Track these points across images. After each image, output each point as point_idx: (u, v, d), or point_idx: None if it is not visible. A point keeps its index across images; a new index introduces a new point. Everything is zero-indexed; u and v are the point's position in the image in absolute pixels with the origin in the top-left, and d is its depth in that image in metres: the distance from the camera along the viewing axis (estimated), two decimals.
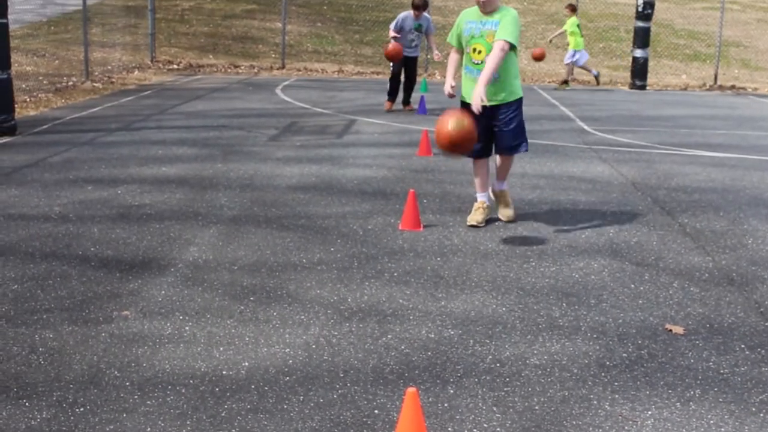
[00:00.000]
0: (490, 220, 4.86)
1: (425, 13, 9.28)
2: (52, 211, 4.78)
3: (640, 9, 13.08)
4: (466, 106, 4.46)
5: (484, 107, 4.28)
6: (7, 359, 2.81)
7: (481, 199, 4.74)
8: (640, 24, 13.20)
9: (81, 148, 6.75)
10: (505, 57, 4.35)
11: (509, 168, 4.81)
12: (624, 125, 8.97)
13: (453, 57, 4.70)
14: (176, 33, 16.33)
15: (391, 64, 9.49)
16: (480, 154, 4.65)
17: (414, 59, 9.45)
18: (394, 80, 9.54)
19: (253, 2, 18.80)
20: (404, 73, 9.47)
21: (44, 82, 10.62)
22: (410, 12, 9.18)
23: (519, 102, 4.57)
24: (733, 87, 13.88)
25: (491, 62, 4.28)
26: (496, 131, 4.58)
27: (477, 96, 4.27)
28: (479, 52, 4.43)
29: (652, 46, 14.00)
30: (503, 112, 4.53)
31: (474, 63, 4.47)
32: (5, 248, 4.06)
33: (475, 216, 4.67)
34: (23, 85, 9.91)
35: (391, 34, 9.27)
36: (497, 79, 4.40)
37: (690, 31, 17.82)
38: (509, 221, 4.76)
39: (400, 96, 9.63)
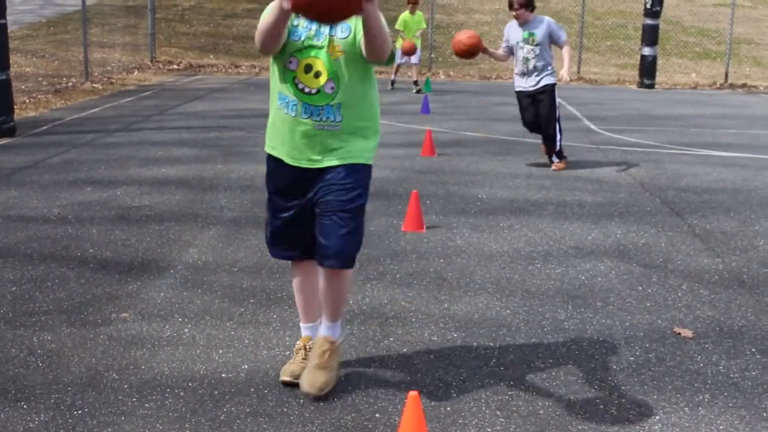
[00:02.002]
0: (493, 222, 4.79)
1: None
2: (51, 212, 4.77)
3: (648, 6, 13.00)
4: (280, 167, 2.62)
5: (300, 172, 2.57)
6: (5, 361, 2.81)
7: (306, 333, 2.79)
8: (649, 21, 13.11)
9: (80, 149, 6.75)
10: (360, 75, 2.55)
11: (342, 295, 2.65)
12: (632, 125, 8.89)
13: None
14: (176, 33, 16.35)
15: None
16: (296, 253, 2.70)
17: None
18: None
19: (253, 1, 18.78)
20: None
21: (43, 83, 10.64)
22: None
23: (368, 172, 2.61)
24: (744, 85, 13.76)
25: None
26: (322, 221, 2.55)
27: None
28: (317, 74, 2.50)
29: (660, 43, 13.91)
30: (335, 186, 2.55)
31: (302, 92, 2.52)
32: (4, 250, 4.05)
33: (290, 367, 2.70)
34: (22, 86, 9.93)
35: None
36: (335, 124, 2.52)
37: (700, 29, 17.70)
38: (319, 393, 2.58)
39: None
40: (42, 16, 16.83)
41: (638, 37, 14.18)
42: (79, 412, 2.47)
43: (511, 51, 6.24)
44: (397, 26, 10.86)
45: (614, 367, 2.89)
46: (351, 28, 2.48)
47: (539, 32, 6.08)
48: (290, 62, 2.51)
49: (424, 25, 11.55)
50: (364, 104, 2.56)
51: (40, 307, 3.31)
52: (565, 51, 6.21)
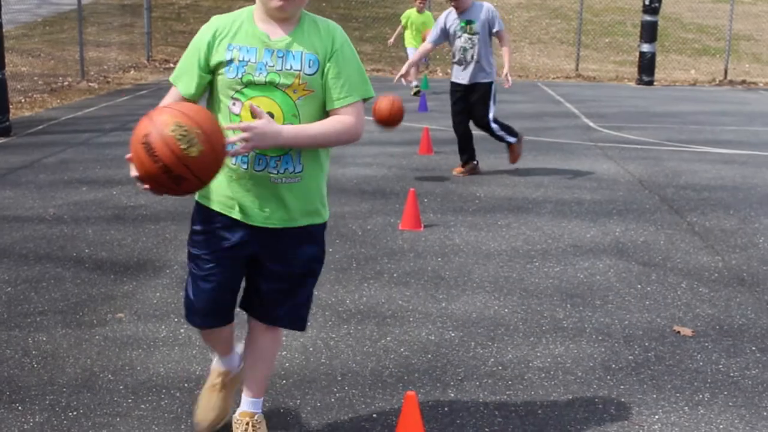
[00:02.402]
0: (491, 220, 4.77)
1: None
2: (47, 212, 4.75)
3: (647, 2, 12.97)
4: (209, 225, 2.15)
5: (247, 231, 2.12)
6: (0, 362, 2.80)
7: (221, 366, 2.39)
8: (648, 18, 13.09)
9: (76, 148, 6.72)
10: (322, 114, 2.11)
11: (274, 363, 2.39)
12: (631, 122, 8.87)
13: None
14: (173, 31, 16.31)
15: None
16: (214, 320, 2.23)
17: None
18: None
19: (250, 1, 18.77)
20: None
21: (39, 82, 10.61)
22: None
23: (325, 228, 2.23)
24: (743, 82, 13.74)
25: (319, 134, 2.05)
26: (266, 288, 2.19)
27: None
28: (269, 115, 2.02)
29: (659, 40, 13.88)
30: (293, 254, 2.16)
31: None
32: None
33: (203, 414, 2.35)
34: (18, 86, 9.91)
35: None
36: (295, 176, 2.09)
37: (699, 25, 17.67)
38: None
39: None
40: (38, 15, 16.80)
41: (637, 34, 14.16)
42: (74, 413, 2.46)
43: (442, 39, 5.86)
44: (401, 19, 10.54)
45: (613, 366, 2.87)
46: (319, 63, 2.03)
47: (478, 20, 5.66)
48: (233, 104, 2.03)
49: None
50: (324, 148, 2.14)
51: (36, 307, 3.29)
52: (506, 50, 5.83)
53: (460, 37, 5.73)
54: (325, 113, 2.08)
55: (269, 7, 2.02)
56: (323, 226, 2.21)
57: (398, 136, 7.60)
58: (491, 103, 5.85)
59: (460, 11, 5.72)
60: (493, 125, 5.88)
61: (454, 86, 5.93)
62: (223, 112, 2.06)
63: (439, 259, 4.02)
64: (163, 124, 1.83)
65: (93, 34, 14.24)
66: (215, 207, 2.11)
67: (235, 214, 2.10)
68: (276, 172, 2.06)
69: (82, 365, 2.78)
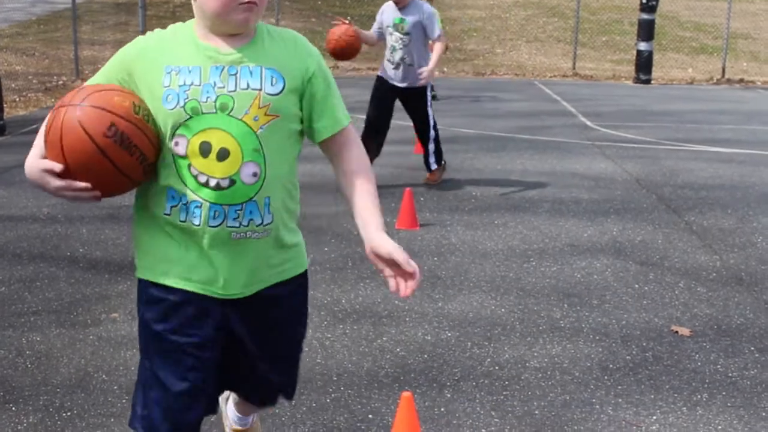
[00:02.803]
0: (487, 219, 4.75)
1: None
2: (41, 212, 4.73)
3: (644, 1, 12.96)
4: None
5: (208, 305, 1.66)
6: None
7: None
8: (645, 16, 13.07)
9: None
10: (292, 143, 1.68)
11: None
12: (628, 120, 8.86)
13: None
14: None
15: None
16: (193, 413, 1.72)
17: None
18: None
19: None
20: None
21: (34, 81, 10.58)
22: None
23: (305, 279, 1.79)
24: (741, 80, 13.74)
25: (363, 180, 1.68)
26: (251, 370, 1.78)
27: None
28: (222, 154, 1.57)
29: (656, 38, 13.87)
30: (273, 323, 1.75)
31: (205, 186, 1.58)
32: None
33: None
34: (12, 85, 9.88)
35: None
36: (264, 228, 1.63)
37: (696, 23, 17.67)
38: None
39: None
40: (32, 14, 16.75)
41: (634, 32, 14.14)
42: (68, 413, 2.45)
43: (382, 35, 5.28)
44: None
45: (610, 366, 2.85)
46: (284, 80, 1.59)
47: (411, 20, 5.08)
48: (175, 144, 1.56)
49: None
50: (293, 185, 1.68)
51: (29, 307, 3.28)
52: (436, 48, 5.19)
53: (391, 34, 5.17)
54: (294, 145, 1.64)
55: (230, 21, 1.55)
56: (306, 272, 1.74)
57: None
58: (429, 109, 5.37)
59: (400, 6, 5.13)
60: (431, 145, 5.42)
61: (381, 80, 5.34)
62: (164, 156, 1.57)
63: (436, 258, 4.00)
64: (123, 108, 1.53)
65: (87, 33, 14.19)
66: (163, 281, 1.63)
67: (189, 286, 1.62)
68: (237, 226, 1.59)
69: (76, 365, 2.76)
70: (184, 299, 1.64)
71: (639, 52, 13.25)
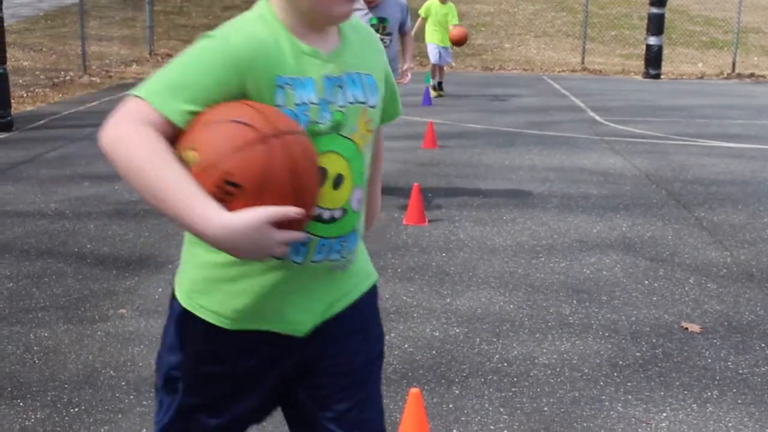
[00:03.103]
0: (496, 215, 4.74)
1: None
2: (48, 207, 4.73)
3: None
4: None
5: (275, 347, 1.36)
6: (2, 358, 2.79)
7: None
8: (654, 10, 12.98)
9: (78, 143, 6.70)
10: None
11: None
12: (637, 115, 8.81)
13: None
14: (175, 25, 16.29)
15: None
16: None
17: None
18: None
19: None
20: None
21: (41, 77, 10.60)
22: None
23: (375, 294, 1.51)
24: (752, 75, 13.63)
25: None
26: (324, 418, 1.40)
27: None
28: (337, 181, 1.31)
29: (666, 33, 13.77)
30: (349, 342, 1.42)
31: (318, 221, 1.30)
32: (0, 245, 4.01)
33: None
34: (20, 80, 9.89)
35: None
36: (353, 254, 1.40)
37: (706, 17, 17.54)
38: None
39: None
40: (39, 10, 16.80)
41: (643, 27, 14.04)
42: (76, 409, 2.45)
43: None
44: (420, 12, 9.43)
45: (620, 362, 2.83)
46: (377, 87, 1.36)
47: (392, 18, 4.76)
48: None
49: (456, 20, 9.36)
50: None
51: (37, 303, 3.28)
52: (409, 44, 5.01)
53: None
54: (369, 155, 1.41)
55: (329, 17, 1.28)
56: (375, 287, 1.48)
57: (402, 130, 7.56)
58: None
59: (372, 5, 4.71)
60: None
61: None
62: None
63: (444, 254, 3.99)
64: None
65: (95, 28, 14.22)
66: (228, 325, 1.33)
67: (264, 325, 1.34)
68: (339, 257, 1.35)
69: (83, 361, 2.76)
70: (236, 341, 1.36)
71: (648, 46, 13.16)
